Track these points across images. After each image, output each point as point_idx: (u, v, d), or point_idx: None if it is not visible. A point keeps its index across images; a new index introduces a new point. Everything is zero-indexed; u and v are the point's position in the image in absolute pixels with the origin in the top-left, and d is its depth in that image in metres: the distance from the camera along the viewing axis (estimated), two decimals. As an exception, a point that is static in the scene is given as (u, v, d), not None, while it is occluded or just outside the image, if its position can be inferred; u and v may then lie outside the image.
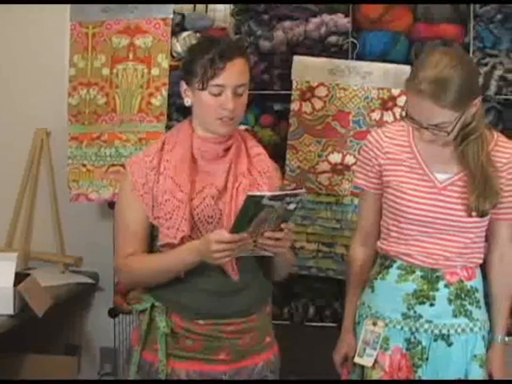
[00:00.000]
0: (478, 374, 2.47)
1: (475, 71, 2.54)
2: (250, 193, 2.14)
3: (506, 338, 2.56)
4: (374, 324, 2.52)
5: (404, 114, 2.39)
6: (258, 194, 2.12)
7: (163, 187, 2.29)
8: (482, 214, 2.41)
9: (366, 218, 2.61)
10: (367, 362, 2.51)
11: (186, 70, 2.36)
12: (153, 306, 2.35)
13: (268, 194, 2.12)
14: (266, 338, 2.47)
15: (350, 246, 2.71)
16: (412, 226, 2.46)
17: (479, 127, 2.41)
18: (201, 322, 2.31)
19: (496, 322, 2.55)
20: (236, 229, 2.15)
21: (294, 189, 2.89)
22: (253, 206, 2.10)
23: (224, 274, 2.31)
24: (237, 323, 2.36)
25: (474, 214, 2.40)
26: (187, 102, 2.37)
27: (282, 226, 2.21)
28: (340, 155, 3.10)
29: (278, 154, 3.16)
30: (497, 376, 2.52)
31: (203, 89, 2.28)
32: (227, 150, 2.37)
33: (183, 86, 2.36)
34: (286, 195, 2.16)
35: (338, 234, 3.10)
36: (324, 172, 3.11)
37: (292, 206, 2.17)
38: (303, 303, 3.22)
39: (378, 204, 2.57)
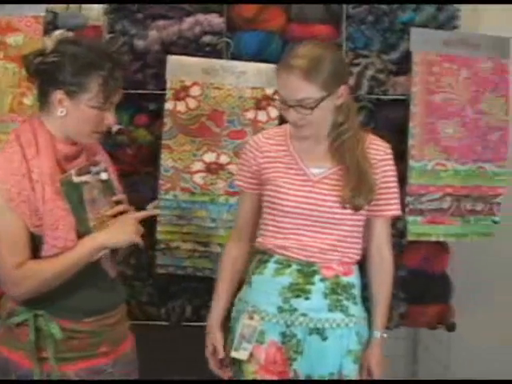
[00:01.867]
0: (351, 369, 2.51)
1: (345, 61, 2.64)
2: (62, 178, 2.21)
3: (385, 335, 2.59)
4: (251, 318, 2.53)
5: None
6: (66, 173, 2.21)
7: (42, 196, 2.24)
8: (356, 208, 2.44)
9: (243, 217, 2.63)
10: (242, 355, 2.51)
11: (70, 82, 2.22)
12: (36, 316, 2.31)
13: (72, 171, 2.21)
14: (126, 324, 2.50)
15: (227, 243, 2.71)
16: (288, 218, 2.48)
17: (352, 127, 2.46)
18: (86, 319, 2.30)
19: (374, 318, 2.59)
20: (83, 227, 2.23)
21: None
22: (70, 189, 2.20)
23: (102, 271, 2.33)
24: (115, 315, 2.38)
25: (347, 206, 2.43)
26: (62, 112, 2.24)
27: (114, 199, 2.30)
28: (215, 154, 3.10)
29: (152, 153, 3.16)
30: (376, 371, 2.55)
31: (97, 107, 2.22)
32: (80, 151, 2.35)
33: (58, 95, 2.23)
34: (87, 166, 2.25)
35: (213, 233, 3.11)
36: (199, 171, 3.11)
37: (104, 176, 2.28)
38: (180, 303, 3.22)
39: (255, 204, 2.59)
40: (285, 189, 2.48)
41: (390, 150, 2.54)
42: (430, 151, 3.14)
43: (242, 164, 2.61)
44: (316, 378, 2.50)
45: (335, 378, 2.49)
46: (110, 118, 2.27)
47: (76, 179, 2.21)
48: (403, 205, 3.08)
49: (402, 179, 3.10)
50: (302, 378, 2.50)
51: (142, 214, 2.33)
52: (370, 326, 2.58)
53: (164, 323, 3.22)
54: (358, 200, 2.43)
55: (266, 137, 2.58)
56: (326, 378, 2.49)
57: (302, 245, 2.48)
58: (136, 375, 2.53)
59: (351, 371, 2.50)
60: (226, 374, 2.62)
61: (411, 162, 3.12)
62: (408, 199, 3.12)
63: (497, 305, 3.69)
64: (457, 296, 3.30)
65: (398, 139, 3.15)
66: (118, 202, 2.30)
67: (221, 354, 2.57)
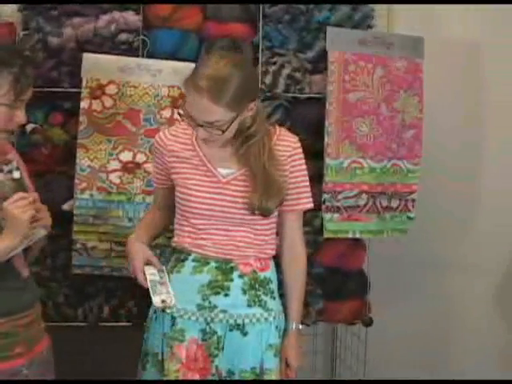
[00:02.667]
0: (272, 362, 2.53)
1: (254, 75, 2.61)
2: None
3: (300, 326, 2.62)
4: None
5: (181, 111, 2.41)
6: None
7: None
8: (266, 213, 2.46)
9: (158, 200, 2.67)
10: (156, 300, 2.43)
11: None
12: None
13: None
14: (41, 324, 2.47)
15: None
16: (201, 220, 2.49)
17: (259, 130, 2.45)
18: (0, 320, 2.26)
19: (290, 310, 2.61)
20: None
21: None
22: None
23: (14, 271, 2.30)
24: (29, 315, 2.35)
25: (257, 212, 2.45)
26: None
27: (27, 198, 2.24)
28: (131, 153, 3.08)
29: (68, 152, 3.12)
30: (293, 364, 2.58)
31: (7, 105, 2.19)
32: None
33: None
34: (0, 164, 2.22)
35: (130, 232, 2.99)
36: (115, 170, 3.08)
37: (17, 174, 2.24)
38: (97, 303, 3.19)
39: (168, 193, 2.61)
40: (193, 191, 2.48)
41: (298, 144, 2.54)
42: (346, 149, 3.18)
43: (154, 159, 2.62)
44: (237, 373, 2.51)
45: (257, 372, 2.50)
46: (20, 116, 2.23)
47: None
48: (320, 202, 3.14)
49: (319, 177, 3.15)
50: (223, 374, 2.51)
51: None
52: (286, 320, 2.60)
53: (81, 324, 3.18)
54: (266, 205, 2.44)
55: (173, 134, 2.55)
56: (248, 373, 2.50)
57: (218, 244, 2.49)
58: (52, 376, 2.50)
59: (272, 365, 2.53)
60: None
61: (327, 160, 3.16)
62: (324, 196, 3.16)
63: (412, 300, 3.76)
64: (373, 292, 3.34)
65: (315, 137, 3.19)
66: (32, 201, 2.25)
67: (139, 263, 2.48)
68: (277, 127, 2.56)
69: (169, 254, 2.67)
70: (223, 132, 2.36)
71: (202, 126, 2.35)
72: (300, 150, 2.54)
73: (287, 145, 2.52)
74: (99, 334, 3.24)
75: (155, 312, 2.59)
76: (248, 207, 2.45)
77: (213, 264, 2.50)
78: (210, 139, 2.41)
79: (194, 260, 2.52)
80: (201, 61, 2.42)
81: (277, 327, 2.56)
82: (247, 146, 2.45)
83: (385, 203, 3.25)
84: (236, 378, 2.51)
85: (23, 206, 2.18)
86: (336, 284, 3.23)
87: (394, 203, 3.28)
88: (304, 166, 2.55)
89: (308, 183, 2.57)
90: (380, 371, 3.45)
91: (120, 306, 3.20)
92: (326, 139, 3.15)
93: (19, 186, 2.26)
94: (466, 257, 3.79)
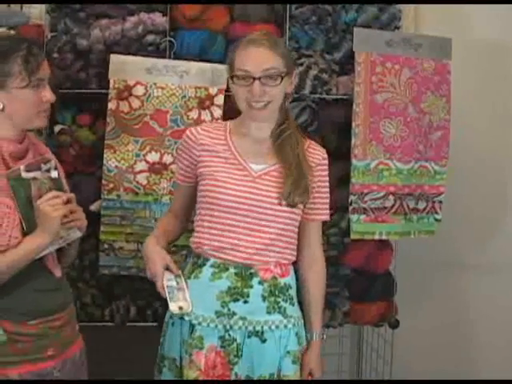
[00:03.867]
0: (290, 369, 2.51)
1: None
2: (7, 171, 2.20)
3: (324, 336, 2.62)
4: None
5: (230, 79, 2.47)
6: (14, 168, 2.21)
7: None
8: (291, 205, 2.45)
9: (177, 204, 2.66)
10: (173, 307, 2.41)
11: None
12: None
13: (21, 166, 2.20)
14: (76, 327, 2.49)
15: None
16: (225, 214, 2.45)
17: (291, 126, 2.50)
18: (31, 322, 2.28)
19: (311, 320, 2.60)
20: (22, 215, 2.20)
21: None
22: (18, 185, 2.19)
23: (46, 271, 2.31)
24: (61, 317, 2.36)
25: (283, 202, 2.44)
26: None
27: (63, 197, 2.27)
28: (158, 154, 3.09)
29: (96, 153, 3.13)
30: (317, 373, 2.57)
31: (27, 85, 2.23)
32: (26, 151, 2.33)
33: None
34: (37, 162, 2.25)
35: (157, 233, 3.08)
36: (142, 171, 3.09)
37: (54, 174, 2.27)
38: (124, 304, 3.20)
39: (191, 198, 2.60)
40: (223, 183, 2.46)
41: (326, 156, 2.58)
42: (373, 150, 3.17)
43: (178, 155, 2.60)
44: (256, 379, 2.49)
45: (275, 378, 2.49)
46: (47, 95, 2.29)
47: (25, 175, 2.20)
48: (347, 204, 3.13)
49: (345, 178, 3.15)
50: (242, 379, 2.49)
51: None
52: (305, 327, 2.59)
53: (108, 324, 3.20)
54: (294, 197, 2.44)
55: (205, 129, 2.56)
56: (267, 378, 2.48)
57: (237, 246, 2.46)
58: (85, 377, 2.51)
59: (290, 371, 2.51)
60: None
61: (354, 161, 3.15)
62: (351, 198, 3.15)
63: (439, 301, 3.74)
64: (400, 294, 3.33)
65: (341, 138, 3.19)
66: (67, 202, 2.28)
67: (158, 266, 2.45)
68: (307, 139, 2.59)
69: (187, 255, 2.66)
70: (279, 80, 2.40)
71: (258, 78, 2.38)
72: (327, 163, 2.58)
73: (318, 154, 2.55)
74: (126, 334, 3.26)
75: (171, 317, 2.58)
76: (277, 200, 2.45)
77: (232, 270, 2.48)
78: (262, 98, 2.41)
79: (212, 266, 2.49)
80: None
81: (296, 334, 2.54)
82: (282, 139, 2.48)
83: (412, 204, 3.24)
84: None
85: (55, 205, 2.21)
86: (362, 286, 3.22)
87: (421, 205, 3.26)
88: (327, 179, 2.59)
89: (329, 195, 2.60)
90: (406, 373, 3.43)
91: (147, 306, 3.21)
92: (352, 140, 3.15)
93: (56, 185, 2.28)
94: (493, 258, 3.77)
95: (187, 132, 2.57)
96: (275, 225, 2.48)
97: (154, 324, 3.16)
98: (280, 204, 2.45)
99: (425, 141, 3.25)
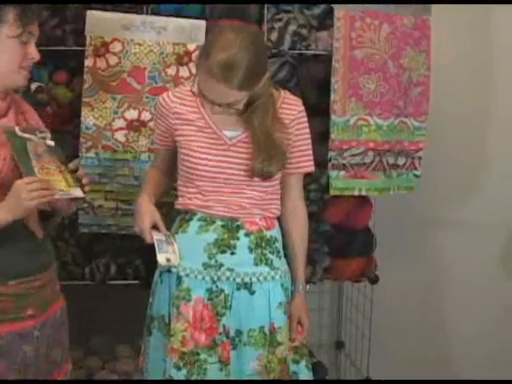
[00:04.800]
0: (281, 320, 2.55)
1: (264, 49, 2.54)
2: (5, 128, 2.18)
3: (308, 287, 2.71)
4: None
5: (196, 90, 2.42)
6: (10, 126, 2.20)
7: None
8: (267, 177, 2.47)
9: (160, 162, 2.67)
10: (161, 258, 2.45)
11: None
12: None
13: (15, 127, 2.20)
14: (56, 286, 2.49)
15: None
16: (206, 182, 2.49)
17: (264, 94, 2.45)
18: (10, 282, 2.26)
19: (295, 271, 2.64)
20: (27, 171, 2.14)
21: None
22: (13, 137, 2.16)
23: (27, 232, 2.29)
24: (42, 277, 2.35)
25: (256, 178, 2.46)
26: None
27: (71, 165, 2.30)
28: (136, 111, 3.06)
29: (73, 111, 3.10)
30: (306, 322, 2.62)
31: (17, 36, 2.19)
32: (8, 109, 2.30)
33: None
34: (31, 127, 2.26)
35: (136, 190, 3.05)
36: (120, 129, 3.06)
37: (50, 143, 2.26)
38: (104, 262, 3.19)
39: (172, 161, 2.61)
40: (198, 153, 2.48)
41: (302, 107, 2.57)
42: (352, 106, 3.16)
43: (156, 120, 2.61)
44: (246, 332, 2.52)
45: (266, 331, 2.52)
46: (32, 52, 2.25)
47: (19, 132, 2.18)
48: (326, 160, 3.13)
49: (325, 134, 3.14)
50: (231, 333, 2.52)
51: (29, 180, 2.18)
52: (293, 280, 2.63)
53: (89, 282, 3.19)
54: (268, 169, 2.46)
55: (178, 96, 2.54)
56: (256, 332, 2.51)
57: (224, 203, 2.50)
58: (66, 339, 2.50)
59: (282, 323, 2.54)
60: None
61: (333, 118, 3.13)
62: (330, 154, 3.14)
63: (418, 257, 3.76)
64: (380, 250, 3.34)
65: (321, 94, 3.17)
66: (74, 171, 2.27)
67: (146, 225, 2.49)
68: (281, 90, 2.57)
69: (174, 215, 2.66)
70: (239, 109, 2.39)
71: (219, 105, 2.37)
72: (304, 114, 2.57)
73: (292, 108, 2.54)
74: (107, 292, 3.26)
75: (161, 275, 2.59)
76: (249, 172, 2.46)
77: (219, 223, 2.51)
78: (224, 113, 2.42)
79: (199, 219, 2.53)
80: (210, 41, 2.37)
81: (283, 285, 2.57)
82: (251, 110, 2.44)
83: (391, 161, 3.23)
84: (244, 337, 2.52)
85: (33, 190, 2.13)
86: (342, 242, 3.23)
87: (401, 161, 3.26)
88: (307, 130, 2.58)
89: (310, 146, 2.59)
90: (386, 328, 3.46)
91: (127, 264, 3.21)
92: (332, 96, 3.13)
93: (53, 152, 2.25)
94: (471, 216, 3.78)
95: (160, 100, 2.57)
96: (257, 189, 2.51)
97: (135, 282, 3.17)
98: (252, 179, 2.46)
99: (404, 97, 3.24)
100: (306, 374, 2.64)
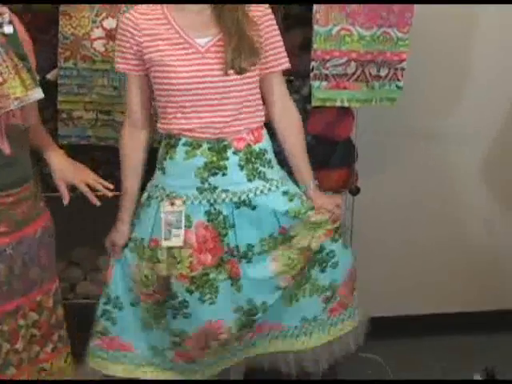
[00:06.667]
0: (290, 221, 2.59)
1: None
2: None
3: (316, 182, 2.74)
4: (173, 204, 2.53)
5: None
6: None
7: None
8: (239, 71, 2.44)
9: (135, 103, 2.60)
10: (177, 242, 2.54)
11: None
12: None
13: None
14: (39, 204, 2.48)
15: (120, 133, 2.68)
16: (185, 96, 2.46)
17: None
18: None
19: (300, 171, 2.68)
20: None
21: None
22: None
23: None
24: (14, 194, 2.33)
25: (231, 72, 2.43)
26: None
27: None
28: (115, 20, 2.99)
29: (50, 20, 3.04)
30: (330, 205, 2.69)
31: None
32: None
33: None
34: None
35: (115, 101, 3.05)
36: (99, 38, 3.01)
37: (8, 29, 2.12)
38: (84, 174, 3.17)
39: (144, 87, 2.57)
40: (174, 67, 2.44)
41: (269, 8, 2.56)
42: (335, 16, 3.10)
43: (120, 45, 2.53)
44: (258, 244, 2.57)
45: (276, 235, 2.57)
46: None
47: None
48: (308, 70, 3.10)
49: (307, 44, 3.10)
50: (242, 248, 2.57)
51: None
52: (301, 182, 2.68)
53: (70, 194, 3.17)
54: (239, 62, 2.42)
55: (141, 12, 2.50)
56: (267, 240, 2.57)
57: (206, 123, 2.47)
58: (47, 259, 2.50)
59: (292, 222, 2.60)
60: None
61: (316, 27, 3.07)
62: (313, 64, 3.10)
63: (399, 170, 3.77)
64: (361, 162, 3.34)
65: (304, 4, 3.11)
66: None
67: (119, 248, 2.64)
68: None
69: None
70: None
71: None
72: (271, 12, 2.55)
73: (259, 6, 2.54)
74: (87, 204, 3.24)
75: (148, 198, 2.59)
76: (223, 68, 2.43)
77: (205, 146, 2.49)
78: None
79: (185, 144, 2.51)
80: None
81: (283, 193, 2.57)
82: (221, 6, 2.43)
83: (374, 72, 3.20)
84: (257, 249, 2.57)
85: None
86: (323, 152, 3.21)
87: (383, 72, 3.23)
88: (277, 27, 2.57)
89: (283, 44, 2.58)
90: (366, 239, 3.47)
91: (108, 175, 3.17)
92: (314, 6, 3.07)
93: (11, 43, 2.12)
94: (452, 127, 3.78)
95: (123, 20, 2.51)
96: (237, 94, 2.48)
97: (116, 193, 3.15)
98: (227, 74, 2.42)
99: (388, 7, 3.18)
100: (342, 254, 2.70)
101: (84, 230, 3.38)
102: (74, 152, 3.14)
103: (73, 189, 3.14)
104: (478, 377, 3.54)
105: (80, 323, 3.24)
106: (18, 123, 2.32)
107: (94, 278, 3.39)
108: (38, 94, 2.19)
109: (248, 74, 2.47)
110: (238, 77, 2.45)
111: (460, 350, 3.79)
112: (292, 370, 2.84)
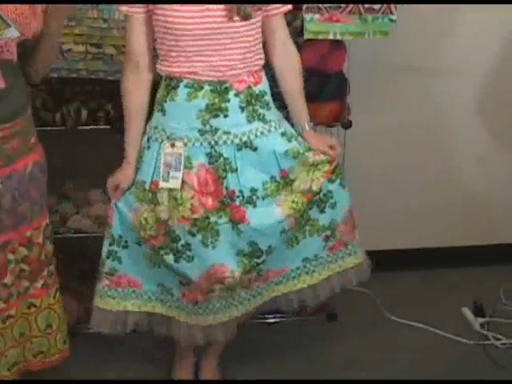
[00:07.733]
0: (291, 162, 2.62)
1: None
2: None
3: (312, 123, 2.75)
4: (173, 146, 2.52)
5: None
6: None
7: None
8: (245, 17, 2.44)
9: (136, 44, 2.56)
10: (174, 184, 2.54)
11: None
12: None
13: None
14: (31, 140, 2.46)
15: (121, 75, 2.64)
16: (191, 41, 2.44)
17: None
18: None
19: (298, 113, 2.70)
20: None
21: None
22: None
23: None
24: (3, 129, 2.32)
25: (236, 18, 2.42)
26: None
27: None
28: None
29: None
30: (325, 147, 2.69)
31: None
32: None
33: None
34: None
35: (106, 34, 3.01)
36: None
37: None
38: (75, 107, 3.16)
39: (146, 28, 2.53)
40: (178, 12, 2.42)
41: None
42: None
43: None
44: (260, 187, 2.59)
45: (278, 178, 2.60)
46: None
47: None
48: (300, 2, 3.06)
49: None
50: (246, 192, 2.57)
51: None
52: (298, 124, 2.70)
53: (60, 128, 3.17)
54: (244, 7, 2.41)
55: None
56: (269, 183, 2.59)
57: (210, 65, 2.46)
58: (37, 194, 2.50)
59: (292, 163, 2.61)
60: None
61: (309, -42, 3.04)
62: (305, -4, 3.07)
63: (392, 104, 3.76)
64: (354, 96, 3.33)
65: None
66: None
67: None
68: None
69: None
70: None
71: None
72: None
73: None
74: (79, 137, 3.24)
75: (148, 141, 2.58)
76: (230, 15, 2.41)
77: (207, 87, 2.49)
78: None
79: (186, 86, 2.50)
80: None
81: (282, 134, 2.59)
82: None
83: (367, 4, 3.16)
84: (260, 192, 2.59)
85: None
86: (315, 86, 3.19)
87: (376, 4, 3.19)
88: None
89: None
90: (357, 172, 3.47)
91: (98, 108, 3.18)
92: None
93: None
94: (445, 62, 3.75)
95: None
96: (243, 39, 2.48)
97: (107, 127, 3.15)
98: (233, 20, 2.40)
99: None
100: (340, 193, 2.73)
101: (75, 163, 3.38)
102: (65, 85, 3.14)
103: (62, 122, 3.16)
104: (466, 310, 3.60)
105: (71, 257, 3.27)
106: (11, 58, 2.30)
107: (85, 212, 3.39)
108: (11, 33, 2.20)
109: (252, 20, 2.46)
110: (243, 23, 2.44)
111: (447, 284, 3.84)
112: (293, 308, 2.91)
